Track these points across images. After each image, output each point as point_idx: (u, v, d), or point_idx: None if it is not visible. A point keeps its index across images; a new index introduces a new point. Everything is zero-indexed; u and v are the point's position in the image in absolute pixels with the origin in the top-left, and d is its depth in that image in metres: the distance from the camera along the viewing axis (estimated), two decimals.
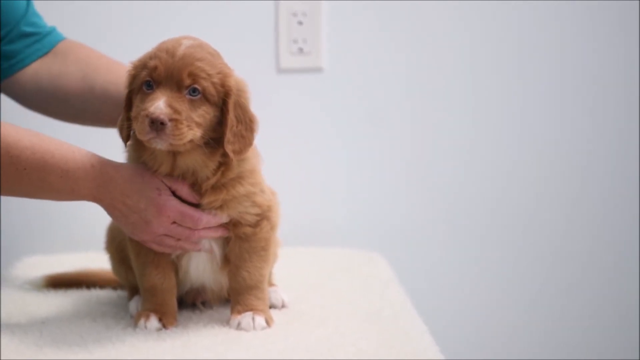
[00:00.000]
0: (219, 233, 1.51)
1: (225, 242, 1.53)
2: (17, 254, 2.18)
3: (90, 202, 1.48)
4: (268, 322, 1.50)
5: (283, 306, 1.64)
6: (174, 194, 1.48)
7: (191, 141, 1.41)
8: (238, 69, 2.23)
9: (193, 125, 1.40)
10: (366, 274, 1.95)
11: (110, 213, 1.49)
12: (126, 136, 1.48)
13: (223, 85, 1.44)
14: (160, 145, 1.41)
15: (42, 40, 1.79)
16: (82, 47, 1.81)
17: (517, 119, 2.30)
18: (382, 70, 2.27)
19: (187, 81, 1.41)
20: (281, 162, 2.24)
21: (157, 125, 1.38)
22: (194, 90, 1.41)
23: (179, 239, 1.49)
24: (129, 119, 1.46)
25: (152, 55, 1.43)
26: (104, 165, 1.46)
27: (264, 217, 1.52)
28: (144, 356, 1.35)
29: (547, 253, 2.33)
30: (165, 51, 1.42)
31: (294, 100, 2.27)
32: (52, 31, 1.81)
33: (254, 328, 1.48)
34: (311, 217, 2.28)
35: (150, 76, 1.42)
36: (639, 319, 2.34)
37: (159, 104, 1.38)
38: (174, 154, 1.45)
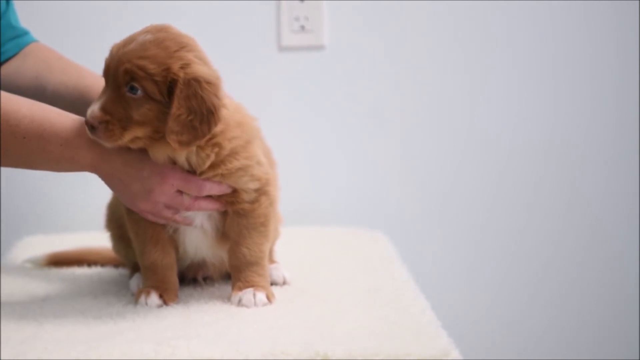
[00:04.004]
0: (217, 206, 1.50)
1: (219, 217, 1.52)
2: (19, 233, 2.18)
3: (89, 172, 1.47)
4: (269, 298, 1.49)
5: (284, 283, 1.63)
6: None
7: (139, 138, 1.42)
8: (239, 46, 2.23)
9: (132, 125, 1.41)
10: (368, 252, 1.94)
11: (109, 183, 1.48)
12: None
13: (166, 80, 1.41)
14: (105, 144, 1.42)
15: (21, 37, 1.79)
16: (45, 49, 1.80)
17: (525, 98, 2.30)
18: (384, 48, 2.26)
19: (125, 79, 1.40)
20: (282, 140, 2.23)
21: (90, 128, 1.40)
22: (133, 88, 1.41)
23: (177, 210, 1.48)
24: None
25: (110, 50, 1.44)
26: None
27: (262, 192, 1.51)
28: (145, 332, 1.34)
29: (552, 232, 2.34)
30: (117, 46, 1.43)
31: (295, 78, 2.26)
32: (28, 32, 1.81)
33: (255, 304, 1.47)
34: (313, 195, 2.28)
35: (102, 72, 1.44)
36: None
37: (94, 108, 1.40)
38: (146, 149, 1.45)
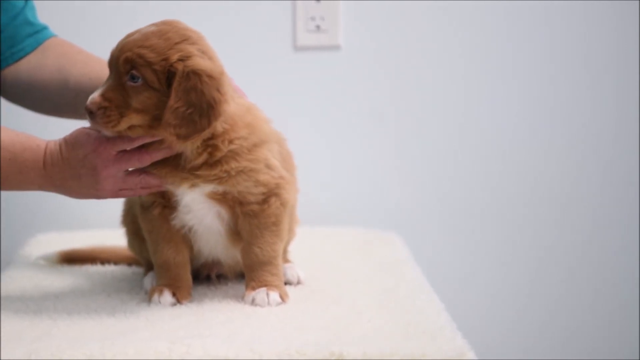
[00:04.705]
0: (164, 152, 1.47)
1: (231, 217, 1.52)
2: (32, 230, 2.18)
3: (41, 189, 1.50)
4: (283, 298, 1.49)
5: (298, 282, 1.63)
6: None
7: (139, 126, 1.42)
8: (255, 46, 2.23)
9: (130, 112, 1.42)
10: (382, 252, 1.93)
11: (66, 190, 1.49)
12: None
13: (164, 70, 1.41)
14: (104, 132, 1.44)
15: (39, 32, 1.80)
16: (64, 44, 1.81)
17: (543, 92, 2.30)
18: (399, 48, 2.26)
19: (125, 68, 1.42)
20: (297, 140, 2.22)
21: (90, 114, 1.42)
22: (133, 77, 1.42)
23: (142, 172, 1.47)
24: None
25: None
26: (49, 142, 1.47)
27: (272, 194, 1.50)
28: (159, 331, 1.34)
29: (558, 230, 2.33)
30: (123, 38, 1.45)
31: (310, 78, 2.26)
32: (46, 27, 1.83)
33: (269, 304, 1.47)
34: (326, 195, 2.27)
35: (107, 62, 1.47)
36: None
37: (94, 95, 1.42)
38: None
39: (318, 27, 2.24)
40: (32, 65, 1.76)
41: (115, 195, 1.49)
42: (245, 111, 1.49)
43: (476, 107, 2.29)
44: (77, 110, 1.70)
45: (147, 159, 1.46)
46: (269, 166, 1.50)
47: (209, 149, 1.45)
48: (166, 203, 1.51)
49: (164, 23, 1.46)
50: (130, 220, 1.65)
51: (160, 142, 1.46)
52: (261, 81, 2.21)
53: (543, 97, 2.29)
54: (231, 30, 2.23)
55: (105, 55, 1.51)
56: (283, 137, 1.59)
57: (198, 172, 1.46)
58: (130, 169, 1.47)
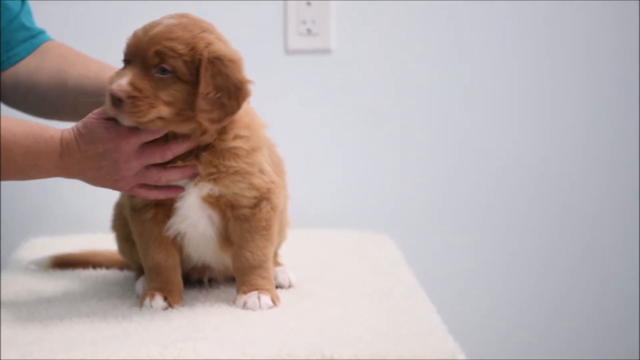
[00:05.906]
0: (188, 173, 1.48)
1: (222, 223, 1.52)
2: (24, 234, 2.18)
3: (57, 176, 1.48)
4: (274, 301, 1.49)
5: (290, 286, 1.63)
6: None
7: (162, 119, 1.42)
8: (246, 49, 2.21)
9: (159, 103, 1.41)
10: (375, 255, 1.94)
11: (84, 178, 1.48)
12: None
13: (194, 60, 1.43)
14: (125, 122, 1.43)
15: (36, 36, 1.81)
16: (62, 46, 1.82)
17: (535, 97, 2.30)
18: (390, 51, 2.26)
19: (154, 60, 1.42)
20: (288, 143, 2.23)
21: (116, 102, 1.40)
22: (163, 69, 1.42)
23: (161, 170, 1.47)
24: None
25: (132, 34, 1.46)
26: (63, 132, 1.47)
27: (263, 198, 1.51)
28: (151, 335, 1.34)
29: (557, 232, 2.33)
30: (143, 30, 1.45)
31: (301, 81, 2.26)
32: (43, 31, 1.83)
33: (260, 307, 1.47)
34: (318, 198, 2.28)
35: (124, 54, 1.45)
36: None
37: (121, 81, 1.41)
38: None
39: (309, 30, 2.24)
40: (30, 68, 1.77)
41: (132, 189, 1.49)
42: (244, 113, 1.51)
43: (470, 109, 2.29)
44: (76, 112, 1.70)
45: (168, 154, 1.47)
46: (262, 171, 1.51)
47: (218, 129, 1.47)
48: (159, 209, 1.52)
49: (180, 16, 1.47)
50: (121, 225, 1.65)
51: (180, 135, 1.47)
52: (252, 84, 2.21)
53: (540, 99, 2.29)
54: (222, 33, 2.23)
55: (102, 57, 1.52)
56: (273, 143, 1.60)
57: (201, 157, 1.47)
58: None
